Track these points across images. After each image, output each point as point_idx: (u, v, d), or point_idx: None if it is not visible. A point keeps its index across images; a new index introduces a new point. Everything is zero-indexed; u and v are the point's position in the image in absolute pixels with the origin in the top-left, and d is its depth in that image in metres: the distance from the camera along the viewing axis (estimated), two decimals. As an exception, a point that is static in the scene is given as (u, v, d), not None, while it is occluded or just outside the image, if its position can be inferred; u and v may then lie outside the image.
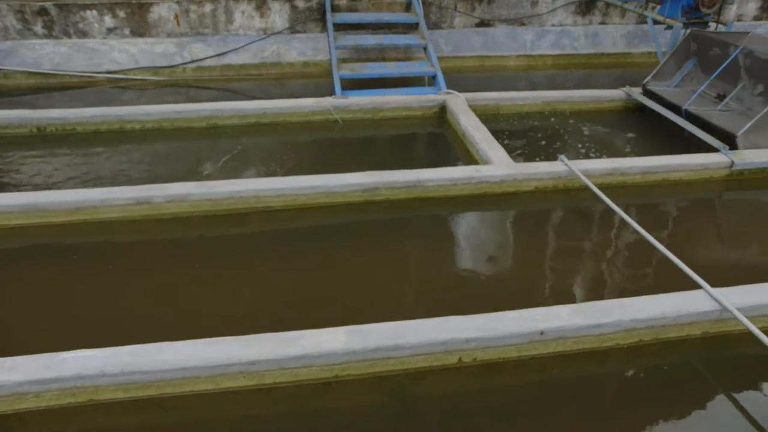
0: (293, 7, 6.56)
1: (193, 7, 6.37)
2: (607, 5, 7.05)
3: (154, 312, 2.94)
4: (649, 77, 5.58)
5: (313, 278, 3.25)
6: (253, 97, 5.79)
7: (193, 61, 6.42)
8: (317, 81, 6.32)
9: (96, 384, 2.36)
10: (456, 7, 6.85)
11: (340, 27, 6.53)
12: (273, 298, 3.10)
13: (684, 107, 5.05)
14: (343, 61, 6.34)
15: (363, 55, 6.63)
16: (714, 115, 4.93)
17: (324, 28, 6.59)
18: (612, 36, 7.23)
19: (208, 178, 4.18)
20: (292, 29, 6.64)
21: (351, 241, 3.64)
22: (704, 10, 5.40)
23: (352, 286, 3.21)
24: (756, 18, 7.45)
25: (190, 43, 6.43)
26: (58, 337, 2.64)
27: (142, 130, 5.01)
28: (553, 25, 7.11)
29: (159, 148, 4.81)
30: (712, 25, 5.65)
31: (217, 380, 2.46)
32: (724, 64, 4.96)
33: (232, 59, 6.52)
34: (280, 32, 6.61)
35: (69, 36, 6.14)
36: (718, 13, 5.56)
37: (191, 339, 2.52)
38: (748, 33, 5.32)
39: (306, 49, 6.67)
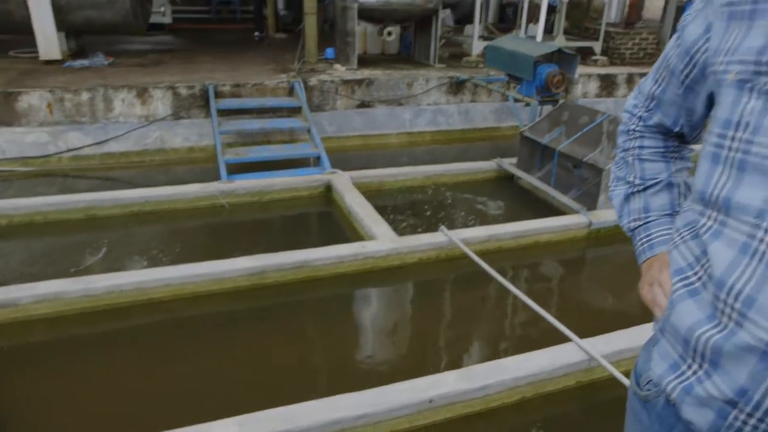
0: (176, 95, 6.60)
1: (68, 96, 6.23)
2: (475, 86, 7.74)
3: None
4: (526, 128, 6.06)
5: (202, 369, 3.17)
6: (136, 185, 5.67)
7: (69, 150, 6.21)
8: (204, 166, 6.32)
9: None
10: (337, 91, 7.22)
11: (224, 112, 6.64)
12: (160, 394, 2.97)
13: (558, 149, 5.54)
14: (229, 145, 6.42)
15: (249, 138, 6.75)
16: (575, 179, 5.49)
17: (208, 114, 6.67)
18: (482, 112, 7.90)
19: (86, 273, 4.00)
20: (176, 115, 6.65)
21: (240, 328, 3.60)
22: (554, 89, 6.10)
23: (243, 374, 3.16)
24: (597, 96, 8.50)
25: (65, 132, 6.24)
26: None
27: (9, 226, 4.72)
28: (428, 104, 7.67)
29: (30, 245, 4.54)
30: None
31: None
32: (589, 127, 5.56)
33: (113, 147, 6.39)
34: (163, 119, 6.59)
35: (-74, 130, 5.75)
36: (566, 91, 6.29)
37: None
38: (566, 102, 6.07)
39: (191, 134, 6.69)
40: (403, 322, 3.82)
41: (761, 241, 0.63)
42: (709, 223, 0.71)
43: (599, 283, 4.50)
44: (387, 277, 4.23)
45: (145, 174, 6.22)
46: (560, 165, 5.67)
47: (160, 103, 6.57)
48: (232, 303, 3.84)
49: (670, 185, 0.93)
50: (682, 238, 0.80)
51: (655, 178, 0.93)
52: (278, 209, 5.40)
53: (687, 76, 0.81)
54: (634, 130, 0.97)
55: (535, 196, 5.73)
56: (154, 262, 4.26)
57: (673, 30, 10.28)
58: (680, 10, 10.23)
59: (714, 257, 0.69)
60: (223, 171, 5.56)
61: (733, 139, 0.68)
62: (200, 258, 4.02)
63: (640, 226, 0.96)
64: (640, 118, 0.96)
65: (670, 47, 0.86)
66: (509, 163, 6.20)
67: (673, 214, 0.93)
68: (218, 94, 6.74)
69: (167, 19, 11.69)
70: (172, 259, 4.33)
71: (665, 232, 0.93)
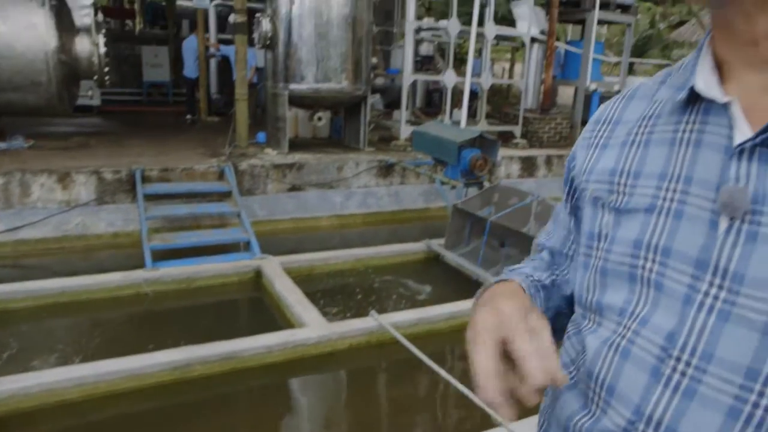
0: (101, 179, 6.46)
1: (-21, 181, 5.97)
2: (404, 169, 8.01)
3: None
4: (459, 201, 6.24)
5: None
6: (54, 274, 5.39)
7: (-23, 239, 5.88)
8: (128, 252, 6.11)
9: None
10: (268, 175, 7.28)
11: (152, 197, 6.53)
12: None
13: (489, 219, 5.71)
14: (156, 231, 6.27)
15: (177, 223, 6.62)
16: (501, 257, 5.69)
17: (135, 199, 6.53)
18: (411, 194, 8.15)
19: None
20: (100, 200, 6.48)
21: (163, 428, 3.40)
22: (477, 172, 6.40)
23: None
24: (519, 176, 8.99)
25: (-26, 220, 5.93)
26: None
27: None
28: (359, 187, 7.84)
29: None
30: (486, 184, 6.67)
31: None
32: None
33: (29, 234, 6.10)
34: (86, 204, 6.40)
35: None
36: (490, 173, 6.62)
37: None
38: (497, 183, 6.42)
39: (116, 220, 6.50)
40: (334, 412, 3.73)
41: (621, 336, 0.70)
42: (589, 324, 0.77)
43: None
44: (317, 366, 4.15)
45: (64, 261, 5.94)
46: (488, 244, 5.88)
47: (83, 187, 6.40)
48: (154, 401, 3.63)
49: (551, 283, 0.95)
50: (568, 335, 0.86)
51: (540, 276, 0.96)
52: (206, 296, 5.25)
53: (569, 195, 0.89)
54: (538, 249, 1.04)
55: (465, 276, 5.87)
56: (67, 360, 4.00)
57: (584, 115, 11.16)
58: (588, 99, 11.14)
59: (587, 350, 0.76)
60: (148, 258, 5.40)
61: (597, 249, 0.75)
62: (121, 352, 3.81)
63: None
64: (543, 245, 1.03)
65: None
66: (438, 244, 6.36)
67: (542, 282, 0.93)
68: (146, 179, 6.64)
69: (95, 102, 11.59)
70: (88, 354, 4.09)
71: (529, 271, 0.92)
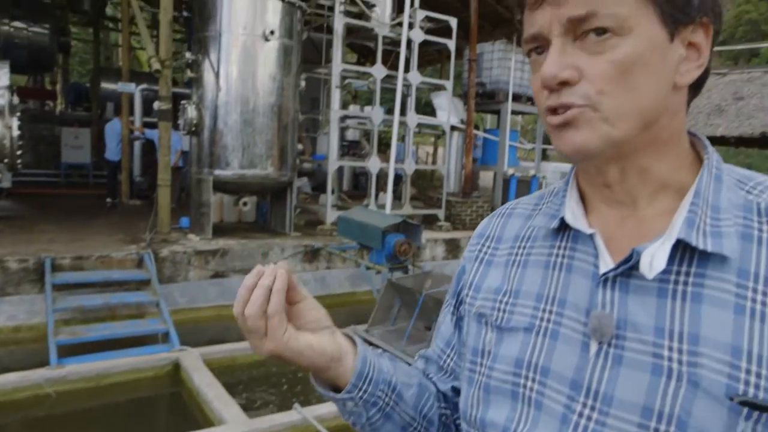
0: (4, 269, 6.08)
1: None
2: (330, 253, 8.04)
3: None
4: (368, 324, 6.28)
5: None
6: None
7: None
8: (32, 347, 5.69)
9: None
10: (190, 262, 7.10)
11: (63, 287, 6.18)
12: None
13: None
14: (65, 323, 5.89)
15: (90, 314, 6.26)
16: (426, 338, 5.70)
17: (43, 289, 6.16)
18: (337, 278, 8.14)
19: None
20: (2, 291, 6.06)
21: None
22: (402, 257, 6.52)
23: None
24: (444, 258, 9.22)
25: None
26: None
27: None
28: (284, 272, 7.75)
29: None
30: (411, 268, 6.79)
31: None
32: (416, 309, 5.89)
33: None
34: (-14, 296, 5.96)
35: None
36: (414, 257, 6.75)
37: None
38: (430, 271, 6.54)
39: (18, 312, 6.07)
40: None
41: None
42: None
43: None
44: (236, 468, 3.92)
45: (-44, 361, 5.43)
46: (414, 325, 5.89)
47: (-17, 278, 6.00)
48: None
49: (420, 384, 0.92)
50: None
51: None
52: (118, 395, 4.92)
53: (455, 307, 0.90)
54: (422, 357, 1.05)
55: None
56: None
57: (503, 198, 11.73)
58: (506, 182, 11.77)
59: None
60: (53, 354, 5.04)
61: (480, 365, 0.77)
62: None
63: None
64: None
65: (444, 305, 0.97)
66: (363, 330, 6.31)
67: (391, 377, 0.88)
68: (57, 267, 6.31)
69: (5, 183, 11.05)
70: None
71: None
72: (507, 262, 0.80)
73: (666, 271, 0.62)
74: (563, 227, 0.74)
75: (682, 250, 0.63)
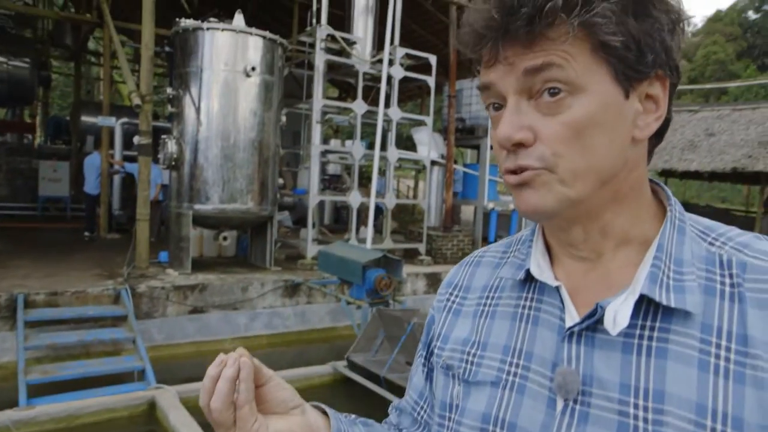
0: (-24, 306, 5.94)
1: None
2: (310, 288, 7.99)
3: None
4: (350, 351, 6.25)
5: None
6: None
7: None
8: (0, 387, 5.52)
9: None
10: (168, 297, 7.01)
11: (36, 324, 6.04)
12: None
13: (381, 375, 5.70)
14: (37, 361, 5.75)
15: (63, 352, 6.12)
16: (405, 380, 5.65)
17: (15, 326, 6.01)
18: (318, 313, 8.07)
19: None
20: (-27, 330, 5.91)
21: None
22: (382, 292, 6.51)
23: None
24: (425, 292, 9.22)
25: None
26: None
27: None
28: (264, 308, 7.69)
29: None
30: (392, 302, 6.78)
31: None
32: (403, 338, 5.88)
33: None
34: (-45, 334, 5.80)
35: None
36: (395, 292, 6.75)
37: None
38: (418, 309, 6.52)
39: (-10, 350, 5.92)
40: None
41: None
42: None
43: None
44: None
45: None
46: (396, 359, 5.86)
47: (-47, 315, 5.85)
48: None
49: None
50: None
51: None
52: (89, 436, 4.78)
53: (426, 358, 0.89)
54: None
55: (372, 400, 5.75)
56: None
57: (484, 232, 11.83)
58: (486, 216, 11.88)
59: None
60: (22, 394, 4.90)
61: (449, 419, 0.76)
62: None
63: None
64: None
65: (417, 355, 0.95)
66: (343, 366, 6.25)
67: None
68: (30, 304, 6.18)
69: (-22, 218, 10.90)
70: None
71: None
72: (475, 312, 0.79)
73: (631, 326, 0.62)
74: (529, 278, 0.73)
75: (646, 305, 0.62)
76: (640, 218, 0.67)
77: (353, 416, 0.90)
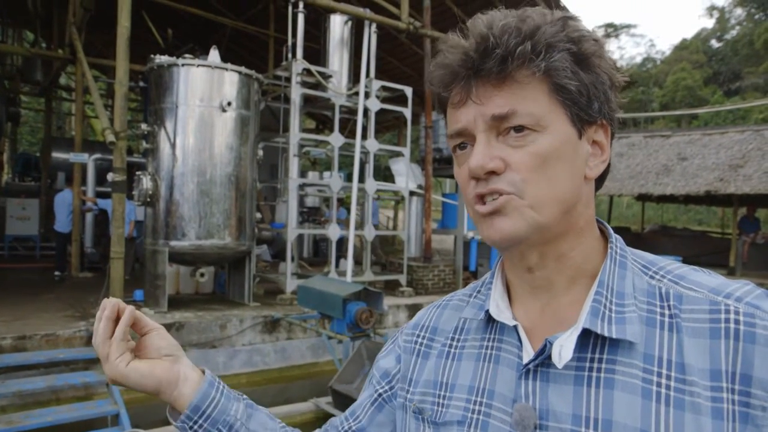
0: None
1: None
2: (290, 323, 7.83)
3: None
4: (333, 380, 6.08)
5: None
6: None
7: None
8: (-36, 439, 5.24)
9: None
10: (143, 337, 6.79)
11: (1, 371, 5.78)
12: None
13: None
14: (2, 410, 5.48)
15: (31, 398, 5.86)
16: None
17: (-20, 374, 5.75)
18: (299, 349, 7.90)
19: None
20: (-64, 379, 5.62)
21: None
22: (363, 325, 6.39)
23: None
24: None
25: None
26: None
27: None
28: (243, 345, 7.50)
29: None
30: (373, 335, 6.66)
31: None
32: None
33: None
34: None
35: None
36: (375, 325, 6.63)
37: None
38: None
39: (-48, 400, 5.63)
40: None
41: None
42: None
43: None
44: None
45: None
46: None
47: None
48: None
49: None
50: None
51: None
52: (58, 489, 4.54)
53: (380, 395, 0.88)
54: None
55: None
56: None
57: (464, 261, 11.80)
58: (467, 246, 11.87)
59: None
60: (-12, 447, 4.64)
61: None
62: None
63: None
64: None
65: (367, 384, 0.93)
66: (326, 402, 6.09)
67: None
68: (-4, 350, 5.93)
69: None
70: None
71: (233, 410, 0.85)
72: (441, 353, 0.81)
73: (581, 359, 0.65)
74: (490, 319, 0.76)
75: (594, 338, 0.66)
76: (590, 253, 0.71)
77: (245, 396, 0.91)
